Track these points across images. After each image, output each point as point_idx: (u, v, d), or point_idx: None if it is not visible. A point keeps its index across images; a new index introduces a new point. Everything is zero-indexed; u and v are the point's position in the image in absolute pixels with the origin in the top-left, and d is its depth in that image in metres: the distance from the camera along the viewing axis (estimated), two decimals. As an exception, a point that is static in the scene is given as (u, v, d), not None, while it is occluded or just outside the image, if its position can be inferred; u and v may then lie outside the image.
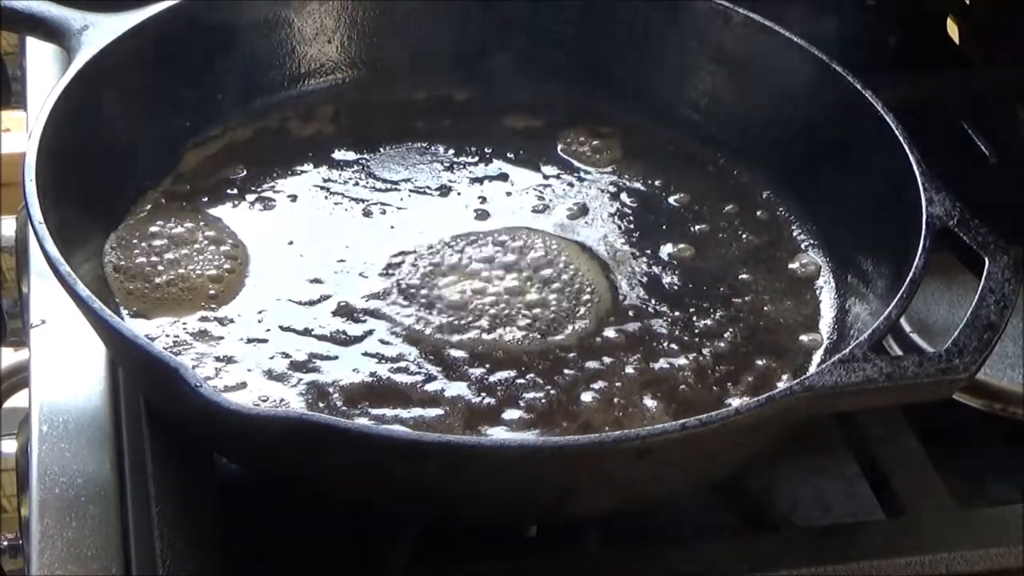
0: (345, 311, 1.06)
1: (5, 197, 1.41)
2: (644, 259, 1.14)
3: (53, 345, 1.07)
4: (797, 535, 1.00)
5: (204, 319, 1.04)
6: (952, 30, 1.36)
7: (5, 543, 1.09)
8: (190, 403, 0.86)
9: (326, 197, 1.18)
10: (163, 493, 0.94)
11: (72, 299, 0.94)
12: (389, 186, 1.19)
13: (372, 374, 1.01)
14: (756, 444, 0.96)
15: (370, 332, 1.04)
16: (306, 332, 1.04)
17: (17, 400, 1.16)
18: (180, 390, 0.86)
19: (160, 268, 1.07)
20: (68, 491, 0.96)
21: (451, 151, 1.23)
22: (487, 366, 1.02)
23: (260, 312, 1.05)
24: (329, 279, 1.09)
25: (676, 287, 1.12)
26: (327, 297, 1.07)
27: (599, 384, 1.02)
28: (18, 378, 1.18)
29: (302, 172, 1.20)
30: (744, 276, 1.13)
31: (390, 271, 1.10)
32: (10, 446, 1.07)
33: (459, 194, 1.19)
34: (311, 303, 1.06)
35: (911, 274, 0.98)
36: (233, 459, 0.99)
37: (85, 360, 1.06)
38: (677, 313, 1.09)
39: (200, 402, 0.85)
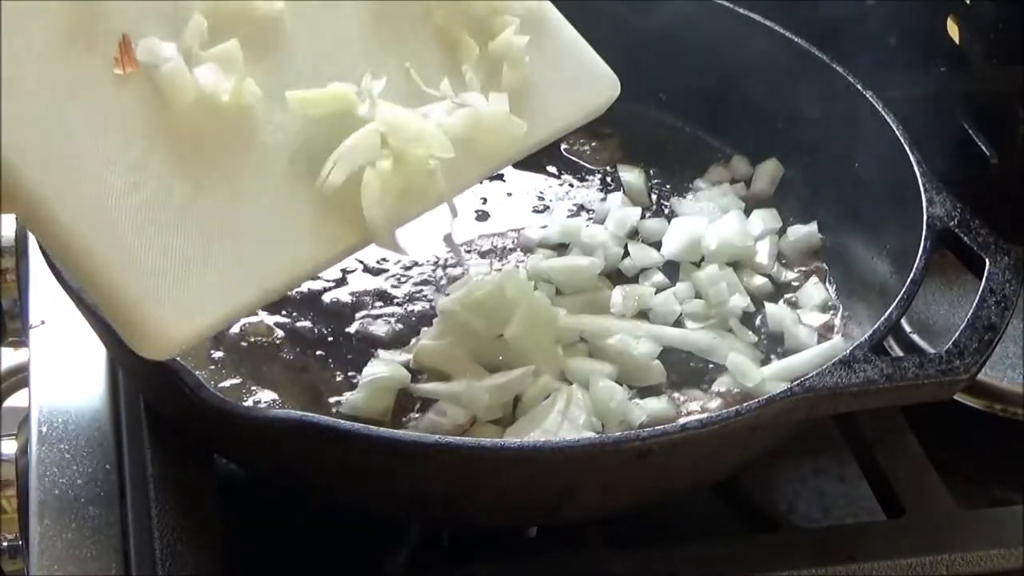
0: (337, 310, 1.06)
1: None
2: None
3: (53, 345, 1.07)
4: (797, 535, 1.00)
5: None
6: (952, 30, 1.36)
7: (5, 543, 1.09)
8: (191, 404, 0.86)
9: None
10: (163, 494, 0.94)
11: (72, 300, 0.94)
12: (389, 186, 1.19)
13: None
14: (756, 445, 0.96)
15: (363, 332, 1.04)
16: (298, 332, 1.04)
17: (17, 400, 1.16)
18: (181, 391, 0.86)
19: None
20: (68, 492, 0.96)
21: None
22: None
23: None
24: (322, 278, 1.08)
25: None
26: (320, 294, 1.07)
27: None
28: (18, 378, 1.18)
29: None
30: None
31: (386, 272, 1.10)
32: (10, 446, 1.07)
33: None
34: (304, 302, 1.06)
35: (912, 275, 0.98)
36: (233, 459, 0.99)
37: (85, 360, 1.06)
38: (677, 313, 1.09)
39: (201, 403, 0.85)
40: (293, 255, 0.90)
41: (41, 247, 0.94)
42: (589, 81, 1.05)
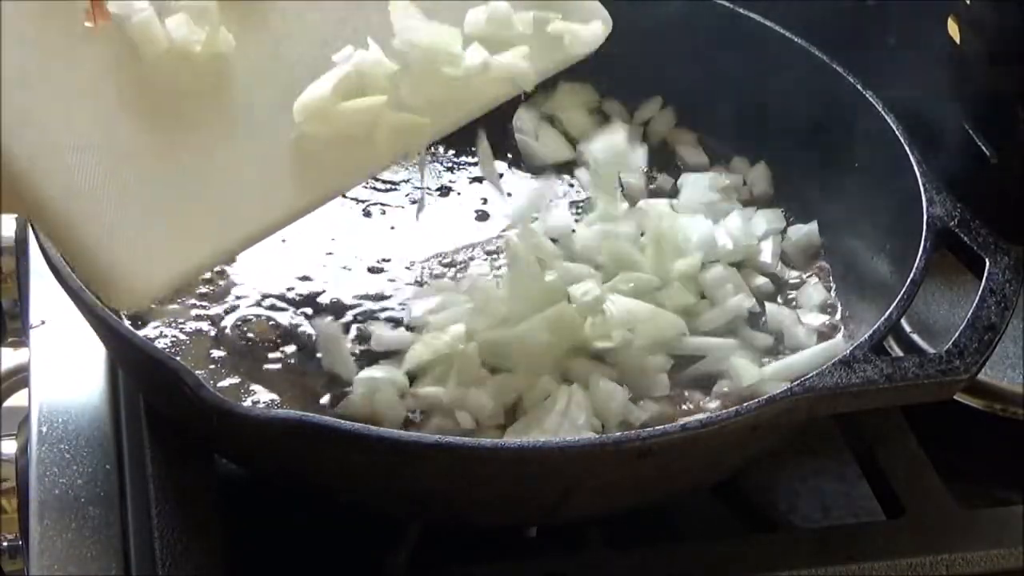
0: (337, 310, 1.06)
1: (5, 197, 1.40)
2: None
3: (53, 345, 1.07)
4: (797, 535, 1.00)
5: (199, 318, 1.04)
6: (952, 30, 1.36)
7: (5, 543, 1.09)
8: (191, 404, 0.86)
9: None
10: (163, 494, 0.94)
11: (72, 300, 0.94)
12: (389, 187, 1.19)
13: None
14: (756, 445, 0.96)
15: (363, 333, 1.04)
16: (298, 332, 1.04)
17: (17, 400, 1.16)
18: (181, 391, 0.86)
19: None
20: (68, 492, 0.96)
21: (451, 151, 1.23)
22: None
23: (251, 310, 1.05)
24: (319, 276, 1.09)
25: (676, 287, 1.11)
26: (320, 294, 1.07)
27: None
28: (18, 378, 1.18)
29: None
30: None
31: (386, 273, 1.10)
32: (10, 446, 1.07)
33: (459, 194, 1.19)
34: (304, 303, 1.06)
35: (912, 275, 0.98)
36: (233, 459, 0.99)
37: (85, 360, 1.06)
38: (677, 313, 1.09)
39: (201, 403, 0.85)
40: (264, 205, 0.90)
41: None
42: (579, 18, 1.04)
